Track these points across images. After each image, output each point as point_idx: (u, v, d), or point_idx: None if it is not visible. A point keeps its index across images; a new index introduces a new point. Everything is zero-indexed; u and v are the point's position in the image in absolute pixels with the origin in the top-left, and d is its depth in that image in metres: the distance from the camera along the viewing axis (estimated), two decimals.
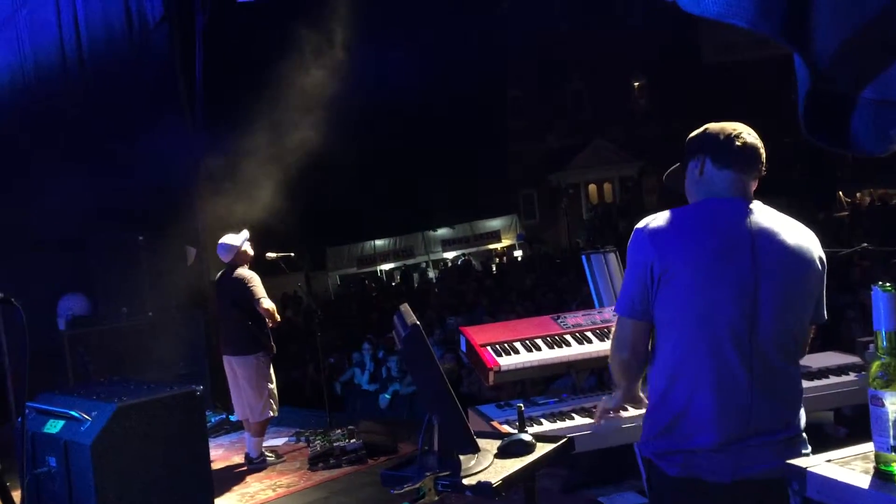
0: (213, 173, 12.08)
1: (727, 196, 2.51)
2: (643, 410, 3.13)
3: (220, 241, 7.16)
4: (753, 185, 2.56)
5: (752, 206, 2.49)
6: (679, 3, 1.67)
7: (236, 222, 9.55)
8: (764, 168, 2.57)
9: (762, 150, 2.55)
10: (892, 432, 1.57)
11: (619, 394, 2.93)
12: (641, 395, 2.99)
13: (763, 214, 2.48)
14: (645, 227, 2.51)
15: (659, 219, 2.51)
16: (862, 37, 1.29)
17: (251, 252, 7.21)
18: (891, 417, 1.57)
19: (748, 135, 2.54)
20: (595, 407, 3.26)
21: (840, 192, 25.86)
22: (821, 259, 2.50)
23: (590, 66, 28.39)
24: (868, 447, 1.66)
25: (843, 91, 1.39)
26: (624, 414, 3.28)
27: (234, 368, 7.04)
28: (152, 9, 9.71)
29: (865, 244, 3.80)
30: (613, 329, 2.65)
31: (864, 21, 1.28)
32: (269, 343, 7.02)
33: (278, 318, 7.13)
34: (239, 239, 7.15)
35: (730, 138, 2.53)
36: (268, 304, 6.85)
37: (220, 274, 7.27)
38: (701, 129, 2.63)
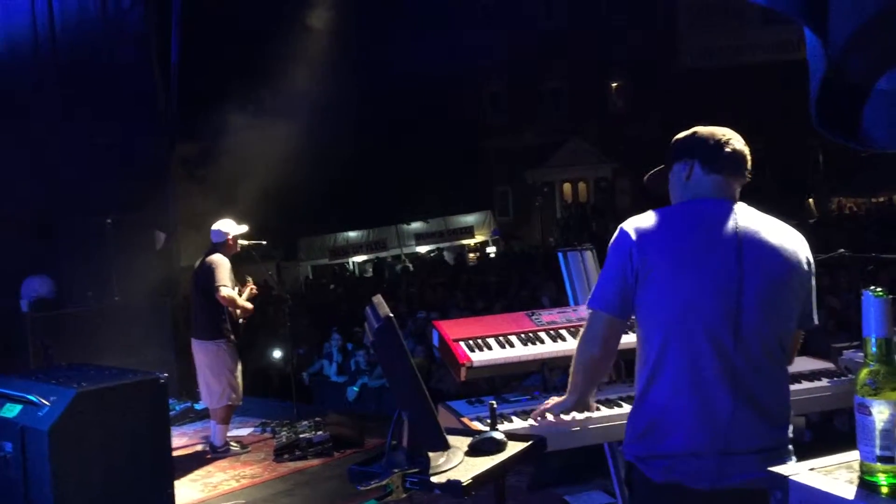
0: (186, 158, 11.94)
1: (714, 197, 2.49)
2: (617, 410, 3.10)
3: (216, 223, 7.16)
4: (738, 190, 2.55)
5: (738, 207, 2.47)
6: None
7: (208, 208, 9.44)
8: (749, 174, 2.56)
9: (749, 156, 2.55)
10: (878, 442, 1.52)
11: (571, 398, 2.82)
12: (592, 402, 2.96)
13: (749, 216, 2.46)
14: (629, 224, 2.49)
15: (644, 217, 2.50)
16: (877, 25, 1.24)
17: (237, 244, 7.18)
18: (878, 426, 1.53)
19: (737, 141, 2.54)
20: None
21: (810, 200, 26.14)
22: (808, 261, 2.48)
23: (568, 65, 28.41)
24: (852, 456, 1.62)
25: (857, 81, 1.34)
26: (595, 414, 3.23)
27: (198, 353, 7.01)
28: None
29: (842, 250, 3.78)
30: (585, 324, 2.62)
31: (880, 8, 1.22)
32: (230, 331, 6.96)
33: (245, 305, 7.03)
34: (232, 226, 7.15)
35: (720, 144, 2.52)
36: (226, 291, 6.78)
37: (200, 259, 7.22)
38: (689, 131, 2.61)
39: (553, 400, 2.96)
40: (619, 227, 2.52)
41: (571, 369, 2.72)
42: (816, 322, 2.56)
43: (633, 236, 2.44)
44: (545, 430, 2.98)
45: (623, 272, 2.44)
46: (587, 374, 2.66)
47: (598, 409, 3.09)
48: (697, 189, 2.53)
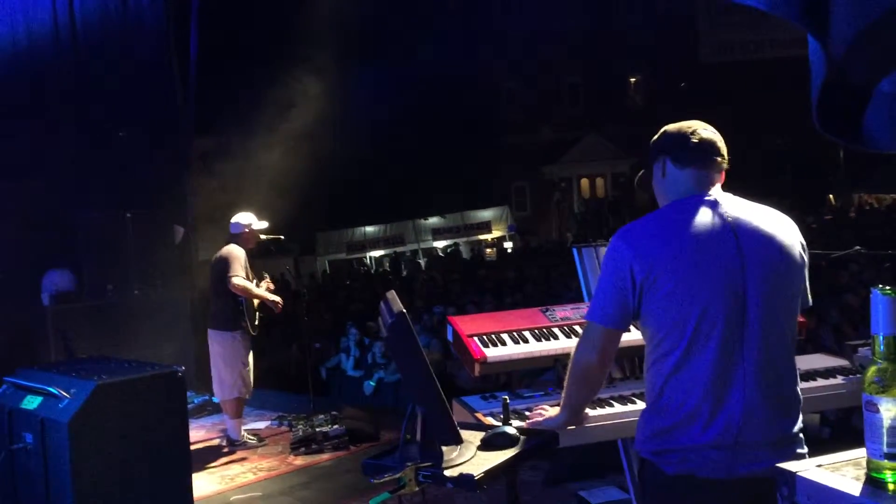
0: (205, 153, 12.02)
1: (695, 193, 2.50)
2: (630, 407, 3.11)
3: (235, 216, 7.24)
4: (719, 179, 2.56)
5: (722, 199, 2.48)
6: None
7: (225, 203, 9.50)
8: (726, 161, 2.56)
9: (720, 144, 2.56)
10: (885, 439, 1.53)
11: (564, 414, 2.81)
12: (588, 411, 2.95)
13: (737, 206, 2.47)
14: (621, 234, 2.49)
15: (637, 226, 2.50)
16: (879, 27, 1.25)
17: (256, 238, 7.25)
18: (885, 424, 1.53)
19: (703, 130, 2.56)
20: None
21: (830, 196, 25.93)
22: (801, 244, 2.49)
23: (587, 60, 28.35)
24: (859, 453, 1.63)
25: (858, 83, 1.35)
26: (608, 410, 3.24)
27: (213, 343, 7.07)
28: None
29: (858, 247, 3.77)
30: (581, 334, 2.61)
31: (883, 11, 1.23)
32: (245, 322, 7.00)
33: (262, 294, 7.06)
34: (250, 219, 7.22)
35: (685, 136, 2.54)
36: (238, 280, 6.83)
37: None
38: (660, 131, 2.64)
39: (547, 412, 2.93)
40: (612, 239, 2.51)
41: (566, 381, 2.70)
42: (811, 303, 2.58)
43: (630, 248, 2.43)
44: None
45: (622, 285, 2.42)
46: (582, 383, 2.65)
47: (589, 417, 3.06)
48: (677, 187, 2.54)
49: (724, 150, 2.56)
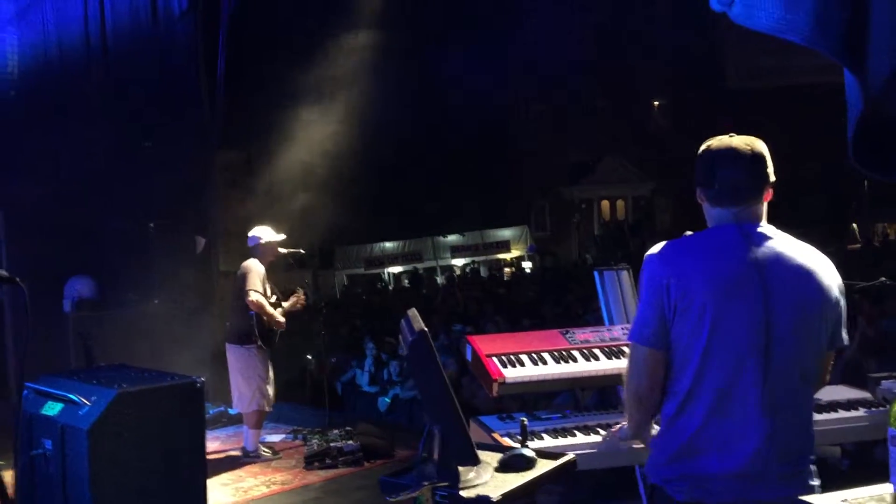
0: (230, 165, 12.12)
1: (733, 223, 2.44)
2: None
3: (252, 230, 7.26)
4: (760, 207, 2.47)
5: (761, 231, 2.43)
6: (731, 16, 1.63)
7: (249, 215, 9.56)
8: (768, 183, 2.45)
9: (753, 178, 2.44)
10: None
11: (630, 428, 2.84)
12: (653, 431, 2.96)
13: (772, 239, 2.42)
14: (657, 253, 2.46)
15: (670, 246, 2.47)
16: None
17: (272, 250, 7.22)
18: None
19: (731, 167, 2.43)
20: (599, 426, 3.24)
21: (854, 224, 25.69)
22: (837, 284, 2.44)
23: (611, 82, 28.33)
24: (883, 488, 1.62)
25: (894, 117, 1.35)
26: None
27: (231, 357, 7.09)
28: None
29: (884, 278, 3.74)
30: (628, 358, 2.58)
31: None
32: (258, 337, 6.98)
33: (273, 313, 7.02)
34: (265, 233, 7.21)
35: (710, 175, 2.46)
36: (254, 296, 6.84)
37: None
38: (704, 145, 2.52)
39: (617, 431, 3.09)
40: (647, 258, 2.47)
41: (626, 401, 2.68)
42: (847, 341, 2.52)
43: (668, 269, 2.40)
44: (576, 450, 2.98)
45: (661, 306, 2.40)
46: (640, 403, 2.58)
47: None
48: (712, 218, 2.51)
49: (760, 180, 2.45)
